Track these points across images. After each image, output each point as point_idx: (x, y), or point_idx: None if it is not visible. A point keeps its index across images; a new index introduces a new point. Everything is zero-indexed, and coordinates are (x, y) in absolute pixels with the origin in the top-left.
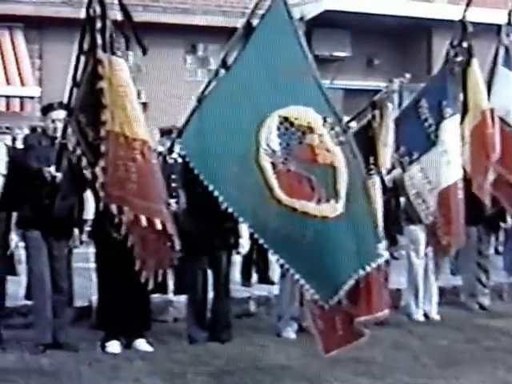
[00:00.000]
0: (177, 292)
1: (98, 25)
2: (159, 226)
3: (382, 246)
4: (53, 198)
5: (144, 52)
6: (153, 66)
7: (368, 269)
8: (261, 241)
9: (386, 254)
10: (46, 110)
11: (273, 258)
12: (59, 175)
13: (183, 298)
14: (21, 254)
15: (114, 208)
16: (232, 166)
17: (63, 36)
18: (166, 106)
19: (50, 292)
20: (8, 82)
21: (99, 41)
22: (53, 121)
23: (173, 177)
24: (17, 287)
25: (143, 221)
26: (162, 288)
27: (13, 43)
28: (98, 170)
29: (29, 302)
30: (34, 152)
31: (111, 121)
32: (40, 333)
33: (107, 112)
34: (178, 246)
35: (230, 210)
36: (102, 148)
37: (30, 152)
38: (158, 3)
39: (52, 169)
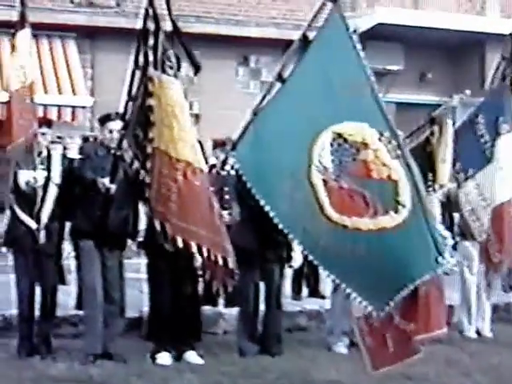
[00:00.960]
0: (228, 304)
1: (151, 41)
2: (194, 249)
3: (444, 258)
4: (106, 209)
5: (196, 71)
6: (205, 77)
7: (425, 278)
8: (310, 257)
9: (448, 266)
10: (104, 120)
11: (323, 273)
12: (113, 187)
13: (234, 310)
14: (70, 263)
15: (157, 224)
16: (284, 182)
17: (115, 46)
18: (218, 118)
19: (102, 302)
20: (60, 91)
21: (151, 58)
22: (110, 131)
23: (226, 189)
24: (67, 297)
25: (179, 242)
26: (212, 300)
27: (65, 53)
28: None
29: (79, 312)
30: (90, 162)
31: (158, 138)
32: (90, 343)
33: (155, 129)
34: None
35: (281, 226)
36: (148, 164)
37: (85, 162)
38: (210, 14)
39: (106, 180)
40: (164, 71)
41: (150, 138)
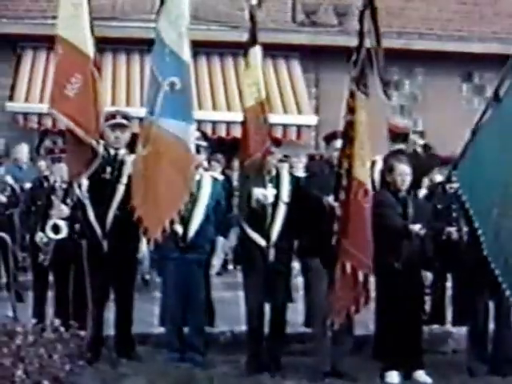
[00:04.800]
0: (456, 323)
1: (353, 57)
2: (361, 278)
3: None
4: (331, 227)
5: (385, 91)
6: (429, 94)
7: None
8: (507, 292)
9: None
10: (329, 138)
11: None
12: (337, 205)
13: (463, 329)
14: (297, 281)
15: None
16: (493, 207)
17: (339, 65)
18: (442, 135)
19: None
20: (285, 110)
21: (353, 73)
22: (336, 149)
23: (453, 207)
24: (295, 314)
25: (348, 268)
26: (440, 318)
27: (289, 72)
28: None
29: (308, 330)
30: (316, 181)
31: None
32: (319, 360)
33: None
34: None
35: (485, 252)
36: (344, 182)
37: (312, 180)
38: (432, 31)
39: (330, 198)
40: (359, 89)
41: (348, 154)
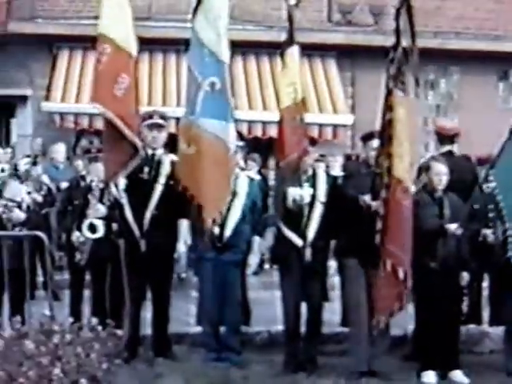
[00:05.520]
0: (493, 323)
1: (391, 55)
2: (401, 276)
3: None
4: (369, 226)
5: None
6: (465, 93)
7: None
8: None
9: None
10: (367, 138)
11: None
12: (374, 204)
13: (500, 329)
14: (334, 280)
15: (376, 239)
16: None
17: (375, 64)
18: (478, 134)
19: (367, 320)
20: (321, 110)
21: (391, 71)
22: (373, 149)
23: (490, 207)
24: (331, 314)
25: (388, 266)
26: (477, 318)
27: (325, 71)
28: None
29: (344, 329)
30: (353, 180)
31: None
32: (356, 360)
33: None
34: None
35: (509, 254)
36: (385, 180)
37: (348, 180)
38: (468, 30)
39: (367, 197)
40: (396, 86)
41: (389, 152)
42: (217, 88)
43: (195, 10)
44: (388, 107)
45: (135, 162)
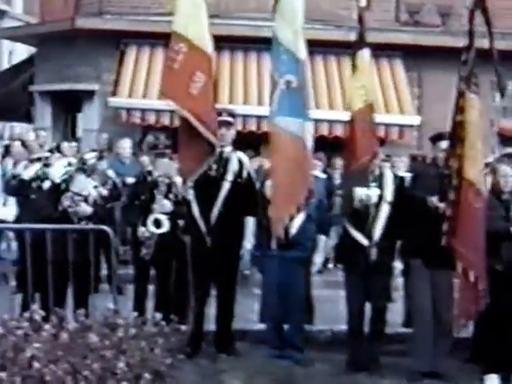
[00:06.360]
0: None
1: (463, 57)
2: (472, 279)
3: None
4: (436, 228)
5: (502, 94)
6: None
7: None
8: None
9: None
10: (436, 139)
11: None
12: (442, 206)
13: None
14: (398, 281)
15: (443, 240)
16: None
17: (442, 65)
18: None
19: (431, 321)
20: (387, 110)
21: (462, 73)
22: (442, 150)
23: None
24: (394, 314)
25: (459, 268)
26: None
27: (392, 71)
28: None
29: (407, 330)
30: (421, 181)
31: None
32: (418, 361)
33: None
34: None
35: None
36: (454, 182)
37: (416, 181)
38: None
39: (435, 199)
40: (469, 88)
41: (458, 154)
42: (293, 86)
43: (273, 8)
44: (459, 109)
45: (210, 160)
